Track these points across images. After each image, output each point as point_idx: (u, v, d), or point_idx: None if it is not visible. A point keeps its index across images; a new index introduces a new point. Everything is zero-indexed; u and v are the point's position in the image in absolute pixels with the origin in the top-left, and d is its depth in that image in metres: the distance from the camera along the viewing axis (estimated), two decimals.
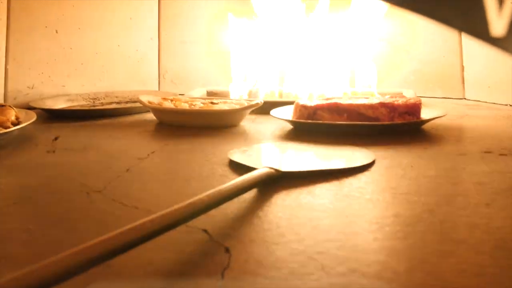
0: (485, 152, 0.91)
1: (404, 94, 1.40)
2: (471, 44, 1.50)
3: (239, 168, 0.81)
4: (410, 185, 0.75)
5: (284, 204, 0.67)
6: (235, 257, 0.51)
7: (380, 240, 0.56)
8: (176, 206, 0.54)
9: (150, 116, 1.24)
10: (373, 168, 0.82)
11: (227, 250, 0.53)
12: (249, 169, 0.76)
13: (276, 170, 0.74)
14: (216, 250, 0.53)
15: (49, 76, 1.53)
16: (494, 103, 1.44)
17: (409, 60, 1.61)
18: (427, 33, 1.59)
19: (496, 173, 0.80)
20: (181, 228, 0.54)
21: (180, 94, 1.43)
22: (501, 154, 0.90)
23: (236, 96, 1.45)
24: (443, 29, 1.50)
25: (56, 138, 1.06)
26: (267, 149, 0.99)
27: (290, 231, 0.58)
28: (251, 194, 0.69)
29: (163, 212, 0.52)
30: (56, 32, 1.54)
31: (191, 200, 0.56)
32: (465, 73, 1.55)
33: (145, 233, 0.49)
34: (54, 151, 0.97)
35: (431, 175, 0.80)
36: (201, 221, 0.58)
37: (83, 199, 0.70)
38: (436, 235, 0.58)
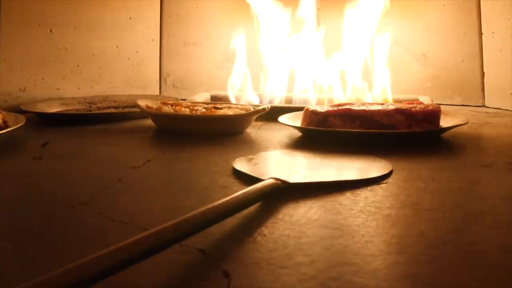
0: None
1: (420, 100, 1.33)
2: (492, 48, 1.44)
3: (243, 178, 0.76)
4: (432, 199, 0.69)
5: (292, 220, 0.61)
6: (235, 283, 0.46)
7: (402, 264, 0.50)
8: (165, 225, 0.48)
9: (149, 122, 1.18)
10: (390, 180, 0.76)
11: (226, 274, 0.47)
12: (253, 179, 0.71)
13: (282, 181, 0.68)
14: (213, 274, 0.48)
15: (43, 78, 1.48)
16: None
17: (426, 66, 1.55)
18: (445, 36, 1.53)
19: None
20: (174, 247, 0.49)
21: (182, 99, 1.36)
22: None
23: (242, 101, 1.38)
24: (462, 32, 1.47)
25: (45, 144, 1.00)
26: (274, 158, 0.93)
27: (299, 252, 0.52)
28: (254, 208, 0.63)
29: (151, 230, 0.47)
30: (50, 31, 1.48)
31: (183, 217, 0.50)
32: (485, 79, 1.48)
33: (130, 256, 0.44)
34: (41, 158, 0.91)
35: (454, 189, 0.74)
36: (196, 239, 0.52)
37: (66, 213, 0.64)
38: (466, 259, 0.52)
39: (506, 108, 1.41)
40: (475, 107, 1.49)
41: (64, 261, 0.49)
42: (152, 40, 1.62)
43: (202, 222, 0.52)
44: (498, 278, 0.47)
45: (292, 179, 0.70)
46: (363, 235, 0.56)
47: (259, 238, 0.55)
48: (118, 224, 0.60)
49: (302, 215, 0.62)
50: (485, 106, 1.49)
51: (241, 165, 0.82)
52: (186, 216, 0.50)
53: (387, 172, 0.78)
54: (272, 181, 0.67)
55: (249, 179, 0.73)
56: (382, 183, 0.74)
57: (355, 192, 0.70)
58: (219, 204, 0.56)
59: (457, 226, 0.59)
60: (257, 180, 0.68)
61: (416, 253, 0.52)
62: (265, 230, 0.58)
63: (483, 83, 1.50)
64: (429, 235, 0.57)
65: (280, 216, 0.62)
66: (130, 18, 1.58)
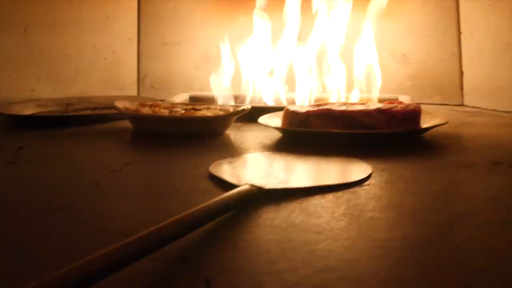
0: (494, 163, 0.85)
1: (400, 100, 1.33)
2: (471, 47, 1.44)
3: (222, 183, 0.74)
4: (415, 201, 0.69)
5: (274, 225, 0.59)
6: None
7: (387, 268, 0.49)
8: (134, 236, 0.46)
9: (127, 123, 1.16)
10: (372, 182, 0.75)
11: (207, 282, 0.45)
12: (229, 184, 0.69)
13: (258, 187, 0.66)
14: (194, 282, 0.46)
15: (17, 80, 1.46)
16: (495, 110, 1.38)
17: (405, 65, 1.55)
18: (424, 36, 1.53)
19: (509, 187, 0.74)
20: (154, 255, 0.47)
21: (160, 100, 1.35)
22: (511, 166, 0.83)
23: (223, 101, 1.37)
24: (441, 31, 1.47)
25: (19, 148, 0.98)
26: (252, 161, 0.91)
27: (282, 258, 0.51)
28: (235, 212, 0.62)
29: (125, 241, 0.46)
30: (25, 31, 1.46)
31: (154, 227, 0.49)
32: (464, 78, 1.49)
33: (107, 265, 0.42)
34: (15, 163, 0.89)
35: (437, 190, 0.74)
36: (177, 246, 0.51)
37: (43, 219, 0.62)
38: (452, 262, 0.50)
39: (485, 107, 1.42)
40: (454, 106, 1.49)
41: (41, 270, 0.48)
42: (130, 40, 1.60)
43: (172, 232, 0.50)
44: (484, 281, 0.46)
45: (268, 185, 0.68)
46: (346, 239, 0.55)
47: (241, 244, 0.54)
48: (97, 230, 0.58)
49: (284, 219, 0.61)
50: (464, 105, 1.50)
51: (218, 169, 0.80)
52: (155, 227, 0.49)
53: (365, 176, 0.76)
54: (247, 187, 0.65)
55: (227, 184, 0.71)
56: (364, 185, 0.73)
57: (336, 195, 0.68)
58: (192, 212, 0.54)
59: (441, 229, 0.58)
60: (233, 186, 0.67)
61: (400, 257, 0.51)
62: (246, 235, 0.56)
63: (462, 82, 1.50)
64: (413, 238, 0.56)
65: (261, 220, 0.60)
66: (107, 17, 1.56)
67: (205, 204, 0.57)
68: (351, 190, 0.71)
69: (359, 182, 0.74)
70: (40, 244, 0.56)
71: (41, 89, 1.48)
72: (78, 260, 0.42)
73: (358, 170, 0.80)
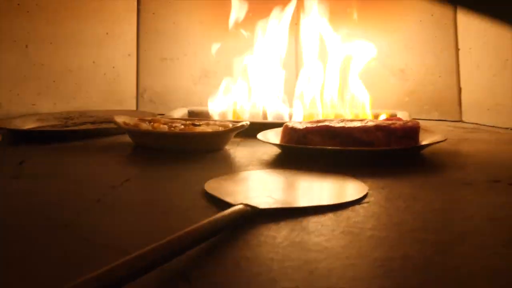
0: (493, 181, 0.85)
1: (399, 116, 1.33)
2: (469, 64, 1.45)
3: (218, 201, 0.74)
4: (415, 219, 0.68)
5: (275, 243, 0.59)
6: None
7: None
8: (128, 257, 0.46)
9: (127, 138, 1.16)
10: (372, 199, 0.75)
11: None
12: (224, 203, 0.69)
13: (252, 207, 0.66)
14: None
15: (18, 94, 1.46)
16: (494, 126, 1.38)
17: (404, 81, 1.55)
18: (422, 52, 1.54)
19: (509, 206, 0.74)
20: (155, 272, 0.48)
21: (159, 114, 1.35)
22: (510, 184, 0.83)
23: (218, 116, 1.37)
24: (439, 48, 1.47)
25: (21, 163, 0.98)
26: (249, 179, 0.91)
27: (284, 277, 0.51)
28: (236, 230, 0.62)
29: (119, 261, 0.45)
30: (26, 46, 1.46)
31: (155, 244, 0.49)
32: (462, 94, 1.49)
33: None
34: (18, 177, 0.89)
35: (437, 208, 0.74)
36: (178, 264, 0.51)
37: (46, 236, 0.62)
38: (453, 283, 0.51)
39: (483, 123, 1.42)
40: (452, 122, 1.49)
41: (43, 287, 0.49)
42: (129, 55, 1.60)
43: (162, 255, 0.49)
44: None
45: (263, 205, 0.68)
46: (347, 258, 0.55)
47: (242, 262, 0.54)
48: (99, 248, 0.58)
49: (284, 237, 0.61)
50: (462, 121, 1.50)
51: (212, 187, 0.79)
52: (149, 247, 0.49)
53: (361, 195, 0.76)
54: (241, 207, 0.65)
55: (223, 202, 0.71)
56: (363, 203, 0.73)
57: (336, 213, 0.68)
58: (183, 234, 0.54)
59: (442, 248, 0.58)
60: (229, 205, 0.67)
61: (402, 277, 0.51)
62: (248, 253, 0.56)
63: (460, 98, 1.50)
64: (414, 258, 0.56)
65: (262, 238, 0.60)
66: (107, 33, 1.56)
67: (197, 225, 0.57)
68: (350, 208, 0.71)
69: (355, 202, 0.73)
70: (42, 261, 0.56)
71: (41, 103, 1.48)
72: (78, 277, 0.43)
73: (354, 189, 0.79)
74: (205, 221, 0.58)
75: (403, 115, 1.32)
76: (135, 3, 1.60)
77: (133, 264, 0.46)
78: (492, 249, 0.58)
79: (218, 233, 0.59)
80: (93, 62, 1.55)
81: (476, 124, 1.45)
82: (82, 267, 0.54)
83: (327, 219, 0.67)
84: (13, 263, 0.55)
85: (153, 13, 1.61)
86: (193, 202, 0.75)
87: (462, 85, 1.49)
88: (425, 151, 1.04)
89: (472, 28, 1.44)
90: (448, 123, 1.48)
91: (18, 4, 1.45)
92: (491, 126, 1.40)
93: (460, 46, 1.48)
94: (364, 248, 0.58)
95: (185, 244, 0.52)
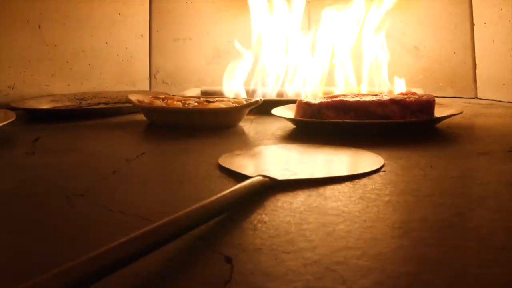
0: (510, 151, 0.84)
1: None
2: (484, 39, 1.44)
3: (234, 174, 0.73)
4: (433, 186, 0.68)
5: (292, 208, 0.59)
6: (239, 269, 0.44)
7: (408, 247, 0.49)
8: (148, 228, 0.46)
9: (140, 117, 1.17)
10: (388, 169, 0.75)
11: (228, 260, 0.46)
12: (241, 176, 0.69)
13: (271, 178, 0.66)
14: (215, 261, 0.46)
15: (32, 75, 1.46)
16: (509, 102, 1.37)
17: (418, 58, 1.54)
18: (436, 28, 1.53)
19: None
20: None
21: (172, 95, 1.35)
22: None
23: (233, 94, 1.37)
24: (453, 23, 1.46)
25: (36, 140, 0.98)
26: (263, 153, 0.90)
27: (302, 238, 0.50)
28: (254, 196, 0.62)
29: (140, 231, 0.45)
30: (39, 27, 1.46)
31: (175, 215, 0.48)
32: (477, 70, 1.48)
33: (132, 252, 0.43)
34: (33, 153, 0.89)
35: (454, 176, 0.73)
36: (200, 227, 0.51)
37: (62, 204, 0.62)
38: (473, 242, 0.50)
39: (498, 99, 1.41)
40: (467, 99, 1.48)
41: (61, 251, 0.49)
42: (142, 36, 1.60)
43: (184, 226, 0.49)
44: (507, 259, 0.46)
45: (281, 176, 0.67)
46: (364, 221, 0.55)
47: (259, 225, 0.54)
48: (115, 214, 0.58)
49: (301, 202, 0.61)
50: (477, 98, 1.49)
51: (227, 161, 0.78)
52: (166, 220, 0.48)
53: (378, 167, 0.75)
54: (260, 178, 0.65)
55: (240, 175, 0.71)
56: (381, 171, 0.73)
57: (353, 181, 0.68)
58: (203, 205, 0.53)
59: (460, 211, 0.58)
60: (245, 177, 0.66)
61: (420, 237, 0.51)
62: (265, 217, 0.56)
63: (475, 75, 1.49)
64: (433, 220, 0.55)
65: (279, 203, 0.60)
66: (119, 14, 1.56)
67: (217, 196, 0.56)
68: (367, 177, 0.70)
69: (372, 173, 0.73)
70: (61, 226, 0.56)
71: (55, 84, 1.48)
72: (98, 241, 0.43)
73: (370, 161, 0.79)
74: (225, 192, 0.58)
75: (418, 92, 1.31)
76: None
77: (156, 233, 0.45)
78: (511, 212, 0.58)
79: (237, 204, 0.58)
80: (106, 43, 1.55)
81: (492, 100, 1.44)
82: (101, 231, 0.54)
83: (344, 186, 0.66)
84: (31, 229, 0.55)
85: None
86: (208, 172, 0.75)
87: (477, 61, 1.48)
88: (441, 124, 1.03)
89: (487, 2, 1.43)
90: (463, 100, 1.47)
91: None
92: (506, 101, 1.39)
93: (475, 21, 1.47)
94: (382, 212, 0.58)
95: (205, 215, 0.52)
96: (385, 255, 0.47)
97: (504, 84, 1.39)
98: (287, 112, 1.09)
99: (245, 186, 0.61)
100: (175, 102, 1.11)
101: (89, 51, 1.53)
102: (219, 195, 0.56)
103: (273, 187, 0.65)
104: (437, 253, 0.47)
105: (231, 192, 0.58)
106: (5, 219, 0.59)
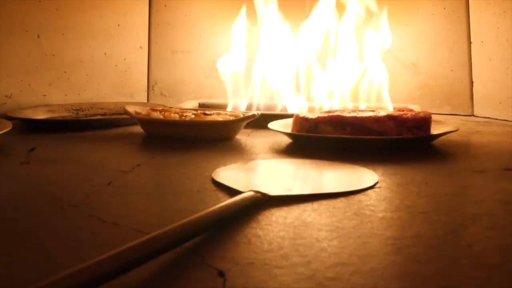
0: (505, 169, 0.85)
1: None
2: (481, 57, 1.44)
3: (227, 188, 0.73)
4: (427, 203, 0.69)
5: (286, 223, 0.59)
6: (231, 283, 0.44)
7: (401, 264, 0.49)
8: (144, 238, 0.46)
9: (137, 128, 1.16)
10: (383, 185, 0.75)
11: (221, 273, 0.46)
12: (234, 191, 0.69)
13: (263, 194, 0.65)
14: (207, 274, 0.46)
15: (29, 85, 1.45)
16: (506, 120, 1.37)
17: (415, 74, 1.54)
18: (434, 45, 1.53)
19: None
20: None
21: (169, 107, 1.35)
22: None
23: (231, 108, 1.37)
24: (451, 41, 1.46)
25: (32, 149, 0.98)
26: (257, 167, 0.90)
27: (295, 253, 0.50)
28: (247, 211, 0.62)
29: (137, 241, 0.46)
30: (38, 37, 1.46)
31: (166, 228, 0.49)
32: (474, 88, 1.48)
33: (123, 263, 0.43)
34: (28, 163, 0.89)
35: (449, 193, 0.74)
36: (190, 241, 0.51)
37: (56, 215, 0.63)
38: (466, 259, 0.50)
39: (495, 117, 1.41)
40: (464, 116, 1.48)
41: (56, 262, 0.48)
42: (140, 47, 1.60)
43: (173, 239, 0.49)
44: (499, 278, 0.46)
45: (274, 192, 0.67)
46: (359, 237, 0.55)
47: (253, 239, 0.54)
48: (109, 226, 0.58)
49: (295, 217, 0.61)
50: (474, 116, 1.49)
51: (220, 175, 0.78)
52: (159, 232, 0.48)
53: (372, 184, 0.74)
54: (252, 193, 0.65)
55: (232, 190, 0.71)
56: (375, 188, 0.73)
57: (348, 197, 0.68)
58: (194, 219, 0.53)
59: (454, 228, 0.58)
60: (238, 192, 0.66)
61: (414, 254, 0.51)
62: (259, 231, 0.56)
63: (472, 92, 1.49)
64: (426, 237, 0.56)
65: (273, 218, 0.60)
66: (119, 25, 1.56)
67: (207, 210, 0.56)
68: (361, 192, 0.70)
69: (367, 189, 0.73)
70: (54, 237, 0.56)
71: (52, 94, 1.47)
72: (91, 253, 0.43)
73: (365, 177, 0.79)
74: (216, 206, 0.58)
75: (415, 109, 1.31)
76: None
77: (149, 245, 0.46)
78: (504, 230, 0.58)
79: (228, 218, 0.58)
80: (105, 53, 1.54)
81: (488, 118, 1.43)
82: (95, 242, 0.54)
83: (339, 202, 0.67)
84: (24, 239, 0.55)
85: (165, 6, 1.61)
86: (203, 185, 0.75)
87: (474, 78, 1.48)
88: (437, 142, 1.04)
89: (485, 21, 1.43)
90: (460, 117, 1.47)
91: None
92: (503, 120, 1.39)
93: (472, 40, 1.47)
94: (376, 228, 0.58)
95: (195, 229, 0.52)
96: (378, 272, 0.47)
97: (500, 102, 1.39)
98: (284, 126, 1.09)
99: (235, 202, 0.61)
100: (172, 114, 1.11)
101: (87, 61, 1.53)
102: (209, 209, 0.57)
103: (265, 203, 0.65)
104: (430, 270, 0.47)
105: (220, 207, 0.58)
106: None
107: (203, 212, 0.55)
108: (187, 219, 0.52)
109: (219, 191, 0.72)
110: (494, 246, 0.53)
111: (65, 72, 1.49)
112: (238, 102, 1.41)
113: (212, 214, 0.56)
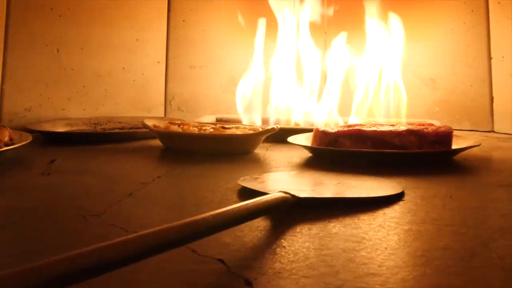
0: None
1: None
2: (501, 73, 1.43)
3: (252, 196, 0.72)
4: (453, 216, 0.67)
5: (311, 234, 0.58)
6: None
7: (432, 275, 0.48)
8: (172, 224, 0.47)
9: (156, 142, 1.17)
10: (407, 198, 0.74)
11: (247, 283, 0.45)
12: (262, 194, 0.67)
13: (292, 195, 0.64)
14: (234, 283, 0.45)
15: (48, 98, 1.46)
16: None
17: (434, 90, 1.53)
18: (453, 61, 1.52)
19: None
20: (193, 257, 0.48)
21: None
22: None
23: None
24: (471, 57, 1.46)
25: (52, 161, 0.98)
26: (282, 177, 0.90)
27: (322, 263, 0.50)
28: (271, 221, 0.62)
29: (155, 229, 0.46)
30: (57, 51, 1.47)
31: (192, 218, 0.48)
32: (494, 104, 1.47)
33: (136, 250, 0.43)
34: (49, 174, 0.89)
35: (475, 207, 0.73)
36: (215, 250, 0.51)
37: (78, 223, 0.62)
38: (498, 271, 0.49)
39: None
40: (484, 132, 1.47)
41: None
42: (158, 62, 1.60)
43: (210, 226, 0.49)
44: None
45: (302, 194, 0.66)
46: (386, 248, 0.54)
47: (278, 249, 0.53)
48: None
49: (320, 228, 0.60)
50: (494, 132, 1.47)
51: (248, 183, 0.78)
52: (192, 219, 0.49)
53: (398, 191, 0.75)
54: (282, 194, 0.64)
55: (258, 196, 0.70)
56: (399, 201, 0.72)
57: (372, 209, 0.67)
58: (227, 211, 0.52)
59: (483, 241, 0.57)
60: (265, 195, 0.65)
61: (444, 265, 0.49)
62: (284, 242, 0.55)
63: (492, 108, 1.48)
64: (455, 249, 0.54)
65: (298, 229, 0.60)
66: (137, 39, 1.57)
67: (243, 203, 0.56)
68: (387, 205, 0.70)
69: (394, 197, 0.73)
70: (75, 245, 0.55)
71: (71, 108, 1.48)
72: None
73: (389, 187, 0.78)
74: (248, 201, 0.57)
75: (435, 123, 1.30)
76: (166, 10, 1.60)
77: (157, 237, 0.46)
78: None
79: (255, 217, 0.58)
80: (123, 68, 1.55)
81: (509, 134, 1.42)
82: None
83: (363, 214, 0.66)
84: (45, 248, 0.55)
85: (183, 20, 1.61)
86: (225, 197, 0.74)
87: (494, 94, 1.47)
88: (458, 156, 1.02)
89: (506, 36, 1.42)
90: (480, 133, 1.46)
91: (51, 9, 1.46)
92: None
93: (492, 55, 1.47)
94: (403, 240, 0.57)
95: (224, 222, 0.51)
96: (409, 282, 0.46)
97: None
98: (303, 140, 1.09)
99: (266, 200, 0.61)
100: (191, 128, 1.11)
101: (105, 76, 1.53)
102: (241, 203, 0.56)
103: (294, 205, 0.64)
104: (462, 282, 0.46)
105: (253, 202, 0.58)
106: (20, 237, 0.59)
107: (234, 206, 0.54)
108: (218, 211, 0.51)
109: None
110: None
111: (84, 86, 1.50)
112: (252, 117, 1.40)
113: (244, 208, 0.55)
